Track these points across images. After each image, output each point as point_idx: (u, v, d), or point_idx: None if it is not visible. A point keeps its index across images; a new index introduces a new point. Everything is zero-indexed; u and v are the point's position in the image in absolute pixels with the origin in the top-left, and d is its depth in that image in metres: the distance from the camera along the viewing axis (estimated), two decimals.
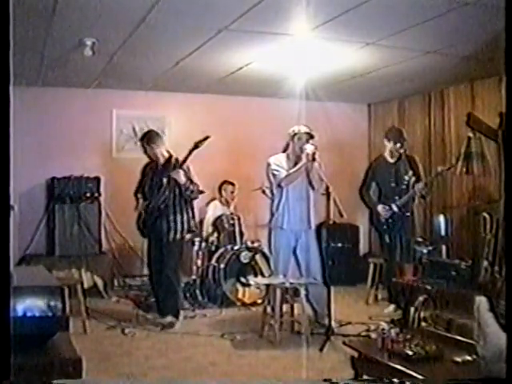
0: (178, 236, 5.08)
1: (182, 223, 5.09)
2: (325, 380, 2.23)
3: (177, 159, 5.08)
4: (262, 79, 6.14)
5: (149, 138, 5.20)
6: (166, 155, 5.19)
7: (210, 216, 6.46)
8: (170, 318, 5.01)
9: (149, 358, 4.19)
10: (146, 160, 5.34)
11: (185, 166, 5.01)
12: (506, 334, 2.09)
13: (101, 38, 4.56)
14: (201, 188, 5.10)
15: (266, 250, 5.92)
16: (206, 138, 4.79)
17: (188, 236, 5.68)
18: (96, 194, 6.39)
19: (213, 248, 6.22)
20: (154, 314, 5.24)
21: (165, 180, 5.00)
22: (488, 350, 2.24)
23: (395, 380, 2.32)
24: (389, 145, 5.65)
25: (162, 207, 5.02)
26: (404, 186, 5.56)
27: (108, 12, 3.96)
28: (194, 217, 5.27)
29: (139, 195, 5.27)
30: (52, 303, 1.99)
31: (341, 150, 7.36)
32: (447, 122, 6.67)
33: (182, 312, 5.21)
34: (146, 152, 5.23)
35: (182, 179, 4.92)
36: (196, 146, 4.80)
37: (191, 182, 4.98)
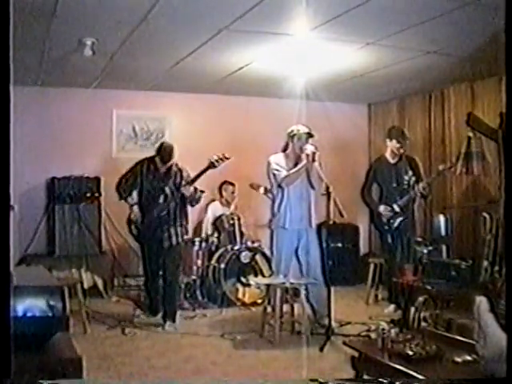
0: (180, 240, 5.10)
1: (181, 227, 5.10)
2: (311, 380, 2.22)
3: (177, 165, 5.08)
4: (262, 79, 6.14)
5: (169, 154, 5.06)
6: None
7: (209, 216, 6.46)
8: (168, 323, 5.00)
9: (149, 358, 4.19)
10: None
11: (185, 173, 5.02)
12: (506, 333, 2.09)
13: (101, 38, 4.56)
14: (201, 189, 5.09)
15: (266, 250, 5.93)
16: (225, 159, 4.72)
17: (185, 237, 5.69)
18: (96, 194, 6.38)
19: (213, 248, 6.22)
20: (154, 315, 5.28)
21: (168, 190, 4.99)
22: (488, 350, 2.24)
23: (388, 380, 2.32)
24: (390, 144, 5.64)
25: (163, 215, 5.02)
26: (405, 187, 5.57)
27: (108, 12, 3.97)
28: (187, 219, 5.26)
29: (130, 198, 5.16)
30: (52, 303, 2.00)
31: (341, 150, 7.35)
32: (447, 122, 6.66)
33: (181, 312, 5.27)
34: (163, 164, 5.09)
35: (190, 192, 4.93)
36: (212, 164, 4.73)
37: (195, 190, 4.98)
